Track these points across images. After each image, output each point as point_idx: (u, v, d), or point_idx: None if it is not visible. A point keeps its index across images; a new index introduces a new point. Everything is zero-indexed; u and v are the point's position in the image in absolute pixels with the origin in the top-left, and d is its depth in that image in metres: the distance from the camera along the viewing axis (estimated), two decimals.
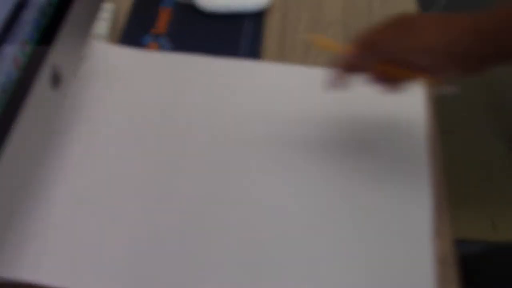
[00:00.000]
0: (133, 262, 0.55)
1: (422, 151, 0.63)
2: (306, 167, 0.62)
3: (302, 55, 0.73)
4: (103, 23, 0.75)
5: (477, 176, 1.55)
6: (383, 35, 0.53)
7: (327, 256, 0.55)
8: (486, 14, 0.51)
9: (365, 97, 0.67)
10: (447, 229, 0.57)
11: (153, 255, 0.55)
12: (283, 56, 0.74)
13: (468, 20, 0.51)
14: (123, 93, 0.69)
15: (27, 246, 0.55)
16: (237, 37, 0.75)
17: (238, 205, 0.59)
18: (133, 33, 0.76)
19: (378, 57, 0.54)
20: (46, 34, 0.52)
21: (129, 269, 0.54)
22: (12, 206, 0.48)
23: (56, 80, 0.54)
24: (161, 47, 0.74)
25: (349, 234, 0.57)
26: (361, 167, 0.62)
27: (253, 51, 0.74)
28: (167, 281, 0.54)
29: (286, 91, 0.68)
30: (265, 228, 0.57)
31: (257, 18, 0.78)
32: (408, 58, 0.52)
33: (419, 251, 0.56)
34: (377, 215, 0.58)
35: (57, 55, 0.53)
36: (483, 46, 0.51)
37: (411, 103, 0.67)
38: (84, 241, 0.56)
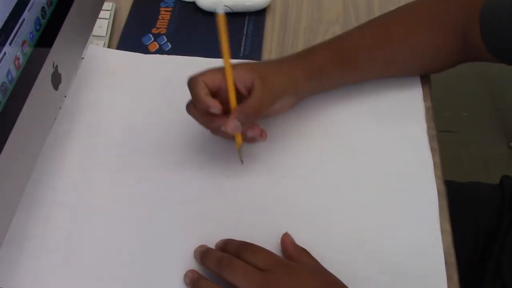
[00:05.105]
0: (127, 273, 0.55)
1: (425, 152, 0.63)
2: (309, 169, 0.62)
3: None
4: (103, 23, 0.75)
5: (477, 175, 1.55)
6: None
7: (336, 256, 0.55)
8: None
9: (365, 99, 0.67)
10: (448, 229, 0.57)
11: (150, 266, 0.55)
12: (283, 55, 0.73)
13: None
14: (122, 94, 0.68)
15: (23, 252, 0.56)
16: (237, 36, 0.75)
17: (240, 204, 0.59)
18: (133, 33, 0.76)
19: None
20: (46, 34, 0.52)
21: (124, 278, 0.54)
22: (9, 210, 0.48)
23: (56, 80, 0.54)
24: (161, 47, 0.74)
25: (360, 233, 0.57)
26: (364, 169, 0.62)
27: (254, 50, 0.73)
28: None
29: None
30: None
31: (257, 17, 0.78)
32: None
33: (432, 250, 0.56)
34: (387, 214, 0.58)
35: (57, 55, 0.53)
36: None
37: (411, 104, 0.67)
38: (81, 246, 0.56)
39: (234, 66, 0.57)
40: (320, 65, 0.62)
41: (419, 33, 0.64)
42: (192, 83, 0.56)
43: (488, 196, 0.78)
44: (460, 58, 0.65)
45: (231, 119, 0.54)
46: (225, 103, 0.56)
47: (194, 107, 0.57)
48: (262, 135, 0.58)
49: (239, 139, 0.58)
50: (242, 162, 0.60)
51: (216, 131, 0.58)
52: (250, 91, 0.56)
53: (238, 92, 0.57)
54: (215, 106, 0.54)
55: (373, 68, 0.66)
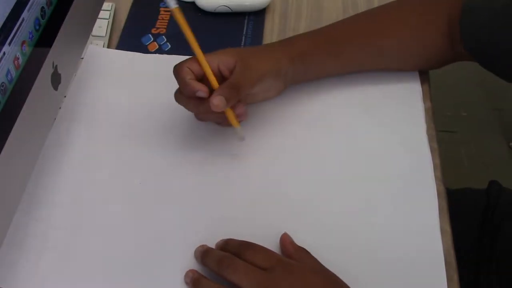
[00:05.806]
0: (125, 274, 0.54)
1: (425, 152, 0.63)
2: (308, 169, 0.62)
3: None
4: (102, 23, 0.75)
5: (477, 175, 1.55)
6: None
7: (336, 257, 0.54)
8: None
9: (364, 99, 0.67)
10: (447, 229, 0.57)
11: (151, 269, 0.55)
12: None
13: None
14: (122, 94, 0.68)
15: (23, 252, 0.55)
16: (237, 36, 0.75)
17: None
18: (133, 33, 0.76)
19: None
20: (46, 34, 0.52)
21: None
22: (9, 210, 0.48)
23: (56, 80, 0.54)
24: (161, 47, 0.74)
25: (360, 233, 0.57)
26: (364, 169, 0.62)
27: None
28: None
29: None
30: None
31: (257, 17, 0.78)
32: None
33: (432, 250, 0.56)
34: (386, 214, 0.58)
35: (56, 55, 0.53)
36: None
37: (411, 104, 0.67)
38: (81, 246, 0.56)
39: (218, 52, 0.59)
40: (302, 50, 0.63)
41: (408, 29, 0.65)
42: (178, 69, 0.58)
43: (474, 202, 0.78)
44: (450, 58, 0.66)
45: (214, 95, 0.56)
46: (211, 88, 0.57)
47: (182, 95, 0.58)
48: (245, 113, 0.59)
49: (232, 119, 0.59)
50: (243, 139, 0.61)
51: (205, 116, 0.59)
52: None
53: (222, 76, 0.58)
54: (201, 89, 0.56)
55: (358, 59, 0.67)
